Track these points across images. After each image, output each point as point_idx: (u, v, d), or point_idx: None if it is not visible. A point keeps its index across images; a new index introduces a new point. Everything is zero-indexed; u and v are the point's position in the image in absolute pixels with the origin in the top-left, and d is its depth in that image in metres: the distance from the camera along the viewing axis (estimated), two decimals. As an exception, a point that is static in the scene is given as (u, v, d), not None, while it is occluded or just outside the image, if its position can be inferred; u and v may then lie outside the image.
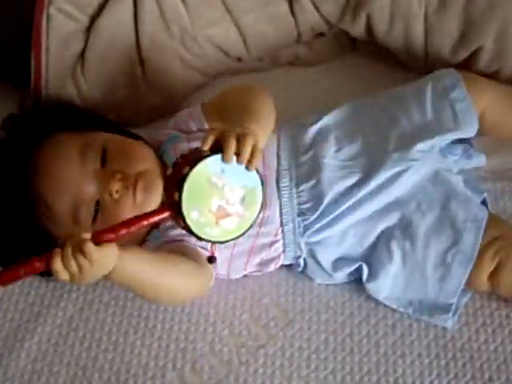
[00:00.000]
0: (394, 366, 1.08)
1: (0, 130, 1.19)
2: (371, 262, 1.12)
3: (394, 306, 1.12)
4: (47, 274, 0.94)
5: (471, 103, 1.17)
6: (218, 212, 0.95)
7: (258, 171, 0.97)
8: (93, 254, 0.90)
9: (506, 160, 1.25)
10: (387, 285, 1.11)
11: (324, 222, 1.11)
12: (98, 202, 1.09)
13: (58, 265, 0.91)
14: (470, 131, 1.17)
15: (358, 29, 1.33)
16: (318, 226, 1.11)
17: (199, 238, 0.96)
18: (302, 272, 1.16)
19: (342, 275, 1.14)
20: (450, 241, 1.09)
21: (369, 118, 1.19)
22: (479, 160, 1.19)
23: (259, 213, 0.99)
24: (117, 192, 1.08)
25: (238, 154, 0.94)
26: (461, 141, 1.19)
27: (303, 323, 1.12)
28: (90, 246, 0.90)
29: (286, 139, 1.17)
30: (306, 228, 1.12)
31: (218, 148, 0.94)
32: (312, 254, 1.13)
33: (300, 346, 1.11)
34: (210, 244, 1.04)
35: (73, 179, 1.09)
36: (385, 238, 1.11)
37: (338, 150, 1.15)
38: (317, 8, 1.32)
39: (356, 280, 1.14)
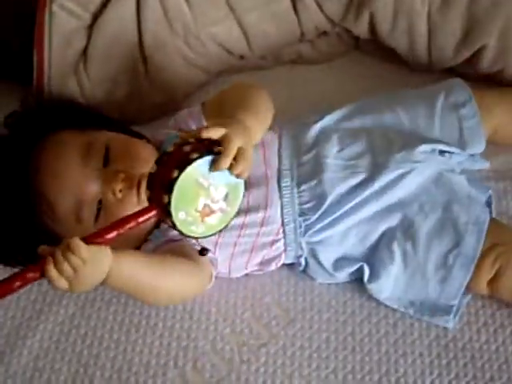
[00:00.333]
0: (395, 366, 1.08)
1: (2, 127, 1.19)
2: (373, 262, 1.11)
3: (395, 307, 1.12)
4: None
5: (480, 122, 1.17)
6: (204, 210, 0.97)
7: None
8: (82, 251, 0.90)
9: (508, 160, 1.24)
10: (388, 285, 1.11)
11: (326, 222, 1.11)
12: (100, 201, 1.09)
13: (52, 271, 0.90)
14: (475, 149, 1.18)
15: (361, 27, 1.32)
16: (319, 226, 1.11)
17: (185, 235, 0.97)
18: (303, 271, 1.16)
19: (343, 275, 1.14)
20: (451, 243, 1.09)
21: (373, 118, 1.18)
22: (483, 164, 1.19)
23: (240, 205, 1.00)
24: (120, 191, 1.08)
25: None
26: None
27: (304, 322, 1.13)
28: (78, 243, 0.90)
29: (288, 138, 1.17)
30: (308, 228, 1.12)
31: (205, 148, 0.95)
32: (313, 254, 1.13)
33: (301, 344, 1.11)
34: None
35: (75, 178, 1.09)
36: (386, 238, 1.11)
37: (341, 149, 1.15)
38: (320, 7, 1.32)
39: (357, 279, 1.14)
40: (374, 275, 1.11)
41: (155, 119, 1.32)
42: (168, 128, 1.20)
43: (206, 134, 0.95)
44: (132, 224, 0.94)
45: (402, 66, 1.36)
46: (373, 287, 1.12)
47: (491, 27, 1.24)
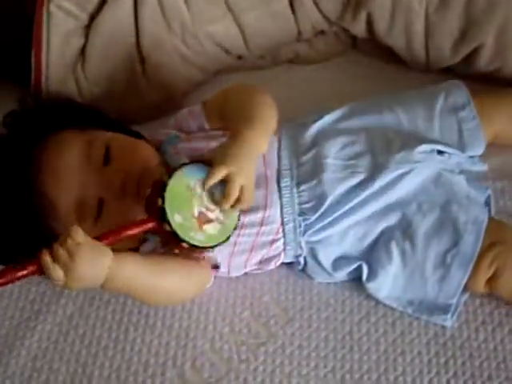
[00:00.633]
0: (393, 364, 1.08)
1: (1, 127, 1.18)
2: (371, 261, 1.12)
3: (394, 306, 1.12)
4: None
5: (479, 125, 1.17)
6: (200, 218, 1.01)
7: None
8: (78, 235, 0.94)
9: (506, 160, 1.24)
10: (387, 284, 1.11)
11: (325, 221, 1.11)
12: (101, 200, 1.09)
13: (46, 257, 0.93)
14: (475, 152, 1.18)
15: (358, 27, 1.33)
16: (318, 225, 1.11)
17: (185, 242, 1.00)
18: (302, 270, 1.16)
19: (341, 274, 1.14)
20: (450, 242, 1.09)
21: (372, 118, 1.18)
22: (481, 167, 1.19)
23: (239, 219, 1.05)
24: (120, 190, 1.08)
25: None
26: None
27: (303, 321, 1.13)
28: (76, 228, 0.94)
29: (287, 138, 1.17)
30: (307, 227, 1.12)
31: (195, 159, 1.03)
32: (312, 253, 1.13)
33: (300, 343, 1.11)
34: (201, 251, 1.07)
35: (76, 177, 1.09)
36: (385, 238, 1.11)
37: (341, 149, 1.14)
38: (317, 6, 1.32)
39: (356, 278, 1.14)
40: (372, 274, 1.11)
41: (154, 118, 1.32)
42: (168, 128, 1.20)
43: (211, 182, 1.00)
44: (128, 233, 0.99)
45: (399, 65, 1.36)
46: (371, 286, 1.12)
47: (488, 26, 1.25)
